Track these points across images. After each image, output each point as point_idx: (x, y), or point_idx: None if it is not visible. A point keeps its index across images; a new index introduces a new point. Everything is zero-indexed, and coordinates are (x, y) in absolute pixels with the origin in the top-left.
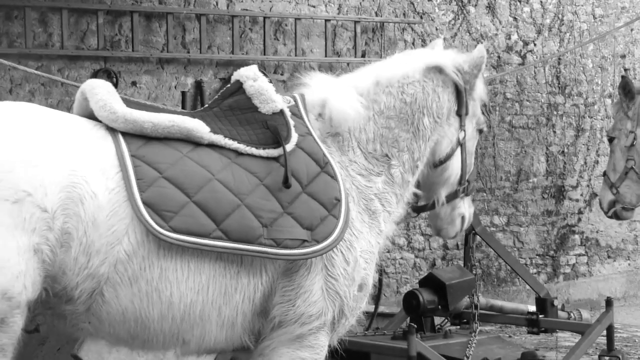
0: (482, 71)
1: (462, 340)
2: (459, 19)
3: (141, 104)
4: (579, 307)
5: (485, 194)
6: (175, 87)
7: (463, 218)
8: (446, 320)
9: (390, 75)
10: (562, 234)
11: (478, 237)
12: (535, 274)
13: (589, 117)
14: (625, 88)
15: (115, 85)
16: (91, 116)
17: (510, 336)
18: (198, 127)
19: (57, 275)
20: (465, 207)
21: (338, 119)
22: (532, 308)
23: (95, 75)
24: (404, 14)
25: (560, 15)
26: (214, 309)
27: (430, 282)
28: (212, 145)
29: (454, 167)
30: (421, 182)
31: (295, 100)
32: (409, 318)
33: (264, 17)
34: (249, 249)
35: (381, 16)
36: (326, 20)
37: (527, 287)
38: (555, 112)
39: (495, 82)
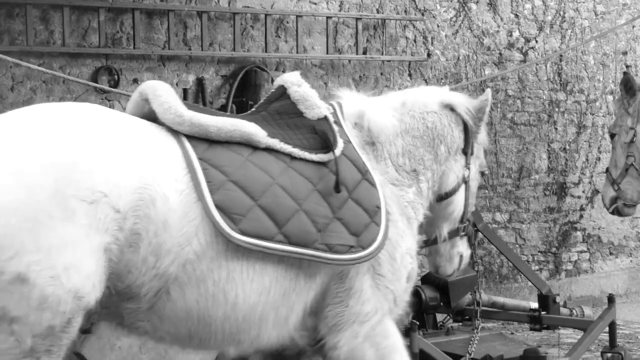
0: (486, 115)
1: (464, 337)
2: (460, 15)
3: (197, 106)
4: (581, 304)
5: (487, 191)
6: (176, 85)
7: (461, 257)
8: (448, 317)
9: (413, 99)
10: (564, 230)
11: (480, 234)
12: (537, 270)
13: (590, 114)
14: (627, 84)
15: (117, 82)
16: (148, 118)
17: (512, 333)
18: (257, 131)
19: (122, 273)
20: (464, 247)
21: (376, 130)
22: (535, 305)
23: (96, 72)
24: (405, 11)
25: (561, 12)
26: (272, 309)
27: (432, 279)
28: (268, 149)
29: (458, 202)
30: (425, 217)
31: (334, 108)
32: (411, 315)
33: (266, 14)
34: (306, 253)
35: (382, 13)
36: (327, 17)
37: (529, 284)
38: (556, 109)
39: (497, 79)
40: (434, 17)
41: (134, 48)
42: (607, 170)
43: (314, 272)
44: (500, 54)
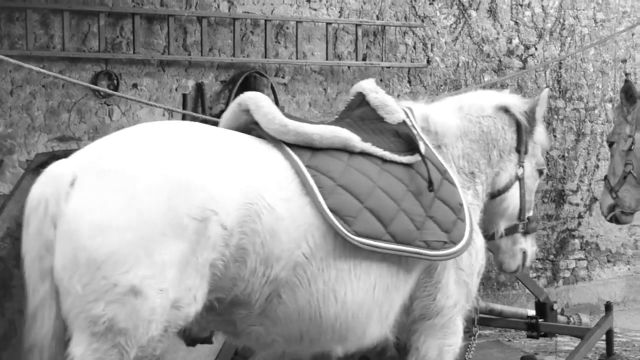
0: (540, 114)
1: (461, 344)
2: (460, 22)
3: (291, 116)
4: (579, 312)
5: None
6: (176, 90)
7: (525, 254)
8: None
9: (470, 103)
10: (562, 238)
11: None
12: (534, 278)
13: (589, 121)
14: (628, 92)
15: (116, 87)
16: (244, 128)
17: (509, 340)
18: (352, 137)
19: (226, 287)
20: (528, 244)
21: (443, 131)
22: (532, 312)
23: (96, 77)
24: (405, 18)
25: (561, 20)
26: (377, 307)
27: None
28: (362, 153)
29: (512, 199)
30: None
31: (407, 113)
32: None
33: (265, 20)
34: (410, 251)
35: (382, 19)
36: (327, 24)
37: (527, 291)
38: (555, 117)
39: (496, 86)
40: (433, 23)
41: (133, 53)
42: (606, 178)
43: (411, 269)
44: (499, 61)
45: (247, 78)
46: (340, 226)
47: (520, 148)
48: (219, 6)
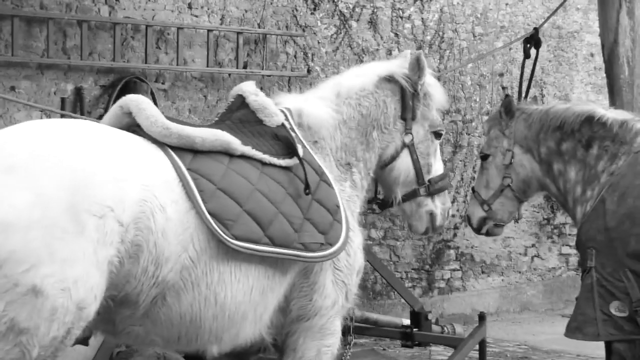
0: (424, 74)
1: (337, 353)
2: (341, 33)
3: (173, 118)
4: (453, 322)
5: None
6: (54, 93)
7: (432, 214)
8: None
9: (349, 86)
10: (438, 248)
11: None
12: (410, 287)
13: (466, 134)
14: (507, 107)
15: None
16: (127, 130)
17: (384, 349)
18: (233, 140)
19: (120, 284)
20: (435, 205)
21: (316, 126)
22: (407, 321)
23: None
24: (286, 27)
25: (440, 33)
26: (252, 308)
27: None
28: (242, 157)
29: (401, 167)
30: (379, 182)
31: (286, 114)
32: None
33: (146, 25)
34: (288, 253)
35: (264, 28)
36: (209, 31)
37: (402, 300)
38: None
39: None
40: (314, 33)
41: (12, 55)
42: (474, 190)
43: (286, 270)
44: None
45: (127, 83)
46: (219, 230)
47: (406, 115)
48: (99, 10)
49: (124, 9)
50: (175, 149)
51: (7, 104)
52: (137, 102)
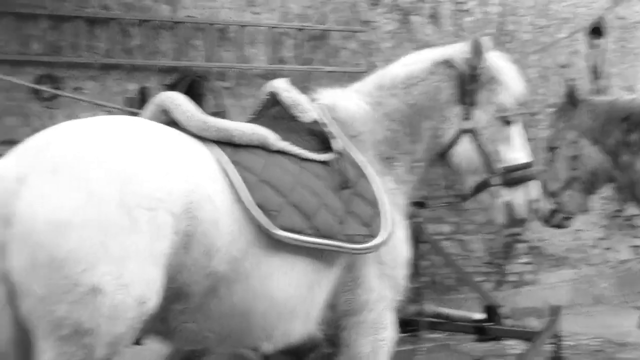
0: (484, 57)
1: (409, 348)
2: (401, 28)
3: (207, 114)
4: (526, 316)
5: (433, 202)
6: (119, 93)
7: (510, 206)
8: None
9: (393, 77)
10: (508, 242)
11: (425, 245)
12: (481, 282)
13: (533, 127)
14: (571, 97)
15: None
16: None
17: (457, 344)
18: (270, 135)
19: (174, 275)
20: (514, 195)
21: (349, 120)
22: (479, 316)
23: (38, 81)
24: (347, 22)
25: (502, 26)
26: (300, 303)
27: None
28: (279, 152)
29: (461, 154)
30: (447, 172)
31: (322, 109)
32: None
33: (209, 24)
34: (333, 244)
35: (325, 24)
36: (270, 28)
37: (473, 295)
38: None
39: None
40: (375, 29)
41: (76, 56)
42: (542, 183)
43: (332, 265)
44: None
45: (190, 82)
46: (264, 220)
47: (465, 101)
48: (160, 10)
49: (185, 8)
50: (215, 142)
51: (72, 105)
52: (172, 99)
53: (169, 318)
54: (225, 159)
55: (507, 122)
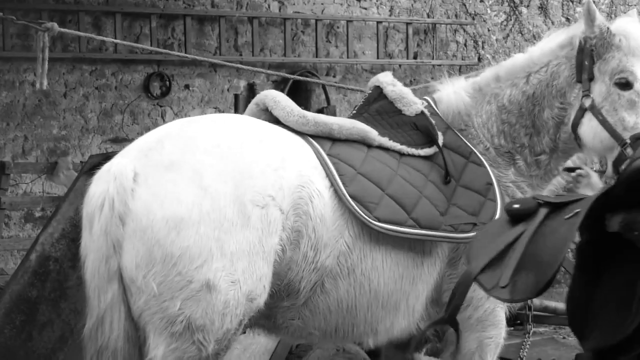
0: (595, 23)
1: (516, 342)
2: (511, 19)
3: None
4: None
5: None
6: (227, 90)
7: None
8: None
9: (509, 68)
10: None
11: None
12: None
13: None
14: None
15: (168, 88)
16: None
17: (564, 337)
18: (371, 130)
19: (283, 271)
20: None
21: (455, 112)
22: None
23: (148, 79)
24: (455, 15)
25: (613, 15)
26: (404, 297)
27: None
28: (379, 147)
29: (587, 134)
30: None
31: (428, 101)
32: None
33: (316, 20)
34: (436, 235)
35: (433, 17)
36: (378, 22)
37: None
38: None
39: None
40: (484, 21)
41: (185, 54)
42: None
43: (435, 259)
44: None
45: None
46: (360, 212)
47: (582, 77)
48: (269, 6)
49: (294, 4)
50: (315, 137)
51: (181, 103)
52: (272, 96)
53: (277, 315)
54: (323, 152)
55: (623, 86)
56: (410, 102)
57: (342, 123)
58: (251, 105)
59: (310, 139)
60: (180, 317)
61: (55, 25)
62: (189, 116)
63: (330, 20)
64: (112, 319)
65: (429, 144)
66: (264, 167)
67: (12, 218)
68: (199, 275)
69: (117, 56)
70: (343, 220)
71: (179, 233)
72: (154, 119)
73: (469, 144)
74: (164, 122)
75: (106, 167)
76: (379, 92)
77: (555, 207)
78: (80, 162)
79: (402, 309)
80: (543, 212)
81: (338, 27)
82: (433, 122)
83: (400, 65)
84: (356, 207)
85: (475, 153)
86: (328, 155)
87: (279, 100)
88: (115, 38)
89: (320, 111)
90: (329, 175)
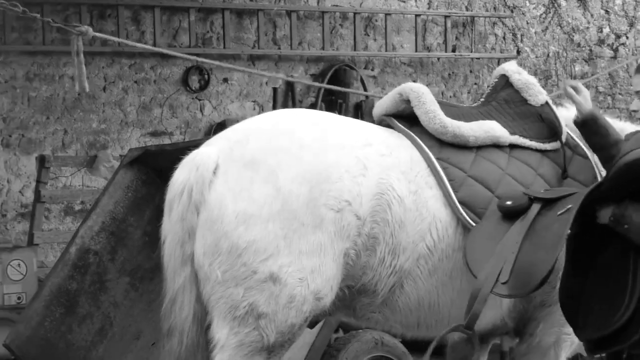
0: None
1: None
2: (550, 12)
3: (442, 102)
4: None
5: None
6: (266, 84)
7: None
8: None
9: None
10: None
11: None
12: None
13: None
14: None
15: (207, 82)
16: (401, 115)
17: None
18: (502, 135)
19: (356, 275)
20: None
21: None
22: None
23: (187, 72)
24: (494, 8)
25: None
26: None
27: None
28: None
29: None
30: None
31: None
32: None
33: (354, 13)
34: None
35: (471, 10)
36: (416, 15)
37: None
38: None
39: (587, 75)
40: (523, 14)
41: (224, 48)
42: None
43: None
44: (590, 50)
45: (336, 71)
46: (469, 219)
47: None
48: (307, 0)
49: None
50: (423, 137)
51: (220, 96)
52: (418, 94)
53: (356, 308)
54: (432, 156)
55: None
56: (537, 92)
57: (479, 134)
58: (393, 93)
59: (419, 141)
60: (243, 303)
61: (90, 29)
62: (228, 110)
63: (368, 14)
64: (183, 300)
65: (554, 137)
66: (343, 173)
67: (52, 211)
68: (263, 268)
69: (156, 50)
70: (425, 225)
71: (247, 228)
72: (193, 113)
73: (574, 136)
74: (203, 115)
75: (192, 154)
76: (505, 81)
77: (547, 203)
78: (120, 155)
79: (489, 303)
80: (535, 208)
81: (376, 21)
82: (558, 114)
83: (438, 59)
84: (465, 215)
85: (580, 146)
86: (438, 159)
87: (424, 102)
88: (154, 32)
89: (358, 105)
90: (437, 180)
